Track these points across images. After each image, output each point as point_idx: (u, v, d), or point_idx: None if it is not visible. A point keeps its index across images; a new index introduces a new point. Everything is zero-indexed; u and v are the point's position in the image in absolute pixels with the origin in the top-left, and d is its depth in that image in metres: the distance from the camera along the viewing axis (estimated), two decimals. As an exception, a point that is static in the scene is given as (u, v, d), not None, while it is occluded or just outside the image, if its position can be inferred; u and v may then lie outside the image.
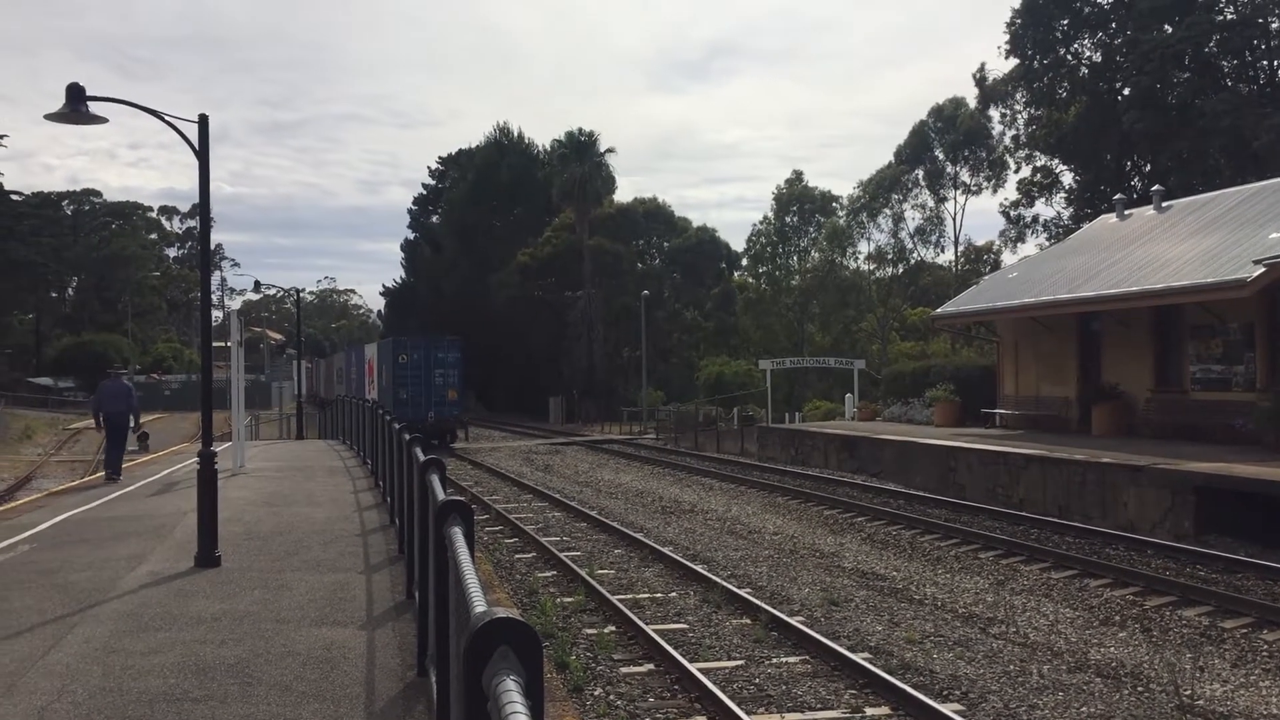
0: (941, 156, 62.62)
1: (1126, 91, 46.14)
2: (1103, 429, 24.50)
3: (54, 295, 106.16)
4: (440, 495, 5.50)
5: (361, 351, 51.72)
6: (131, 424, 19.67)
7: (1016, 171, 57.53)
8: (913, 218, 64.51)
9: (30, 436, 53.09)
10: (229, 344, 24.81)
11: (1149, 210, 29.14)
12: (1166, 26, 44.12)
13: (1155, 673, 9.84)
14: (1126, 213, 30.42)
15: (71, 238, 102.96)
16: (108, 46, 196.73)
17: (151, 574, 10.37)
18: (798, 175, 70.87)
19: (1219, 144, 41.60)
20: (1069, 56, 49.49)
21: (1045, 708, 8.86)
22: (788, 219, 68.99)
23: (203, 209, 11.35)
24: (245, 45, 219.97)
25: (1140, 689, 9.37)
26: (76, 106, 10.59)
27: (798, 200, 68.41)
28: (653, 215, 72.92)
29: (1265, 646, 10.74)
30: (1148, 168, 46.89)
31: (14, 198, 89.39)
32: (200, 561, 10.67)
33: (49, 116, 10.62)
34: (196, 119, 10.89)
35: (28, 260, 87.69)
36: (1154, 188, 32.40)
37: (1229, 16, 43.32)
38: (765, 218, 70.36)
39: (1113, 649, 10.69)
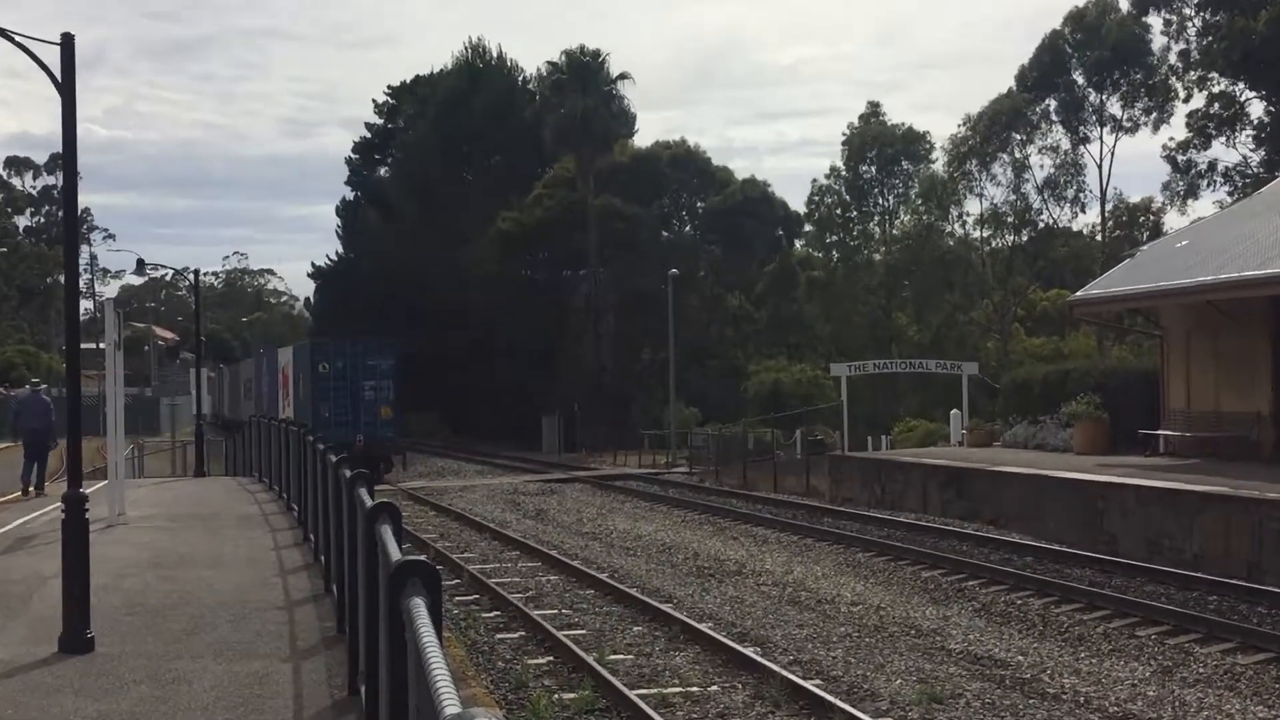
0: (1082, 81, 62.22)
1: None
2: (1308, 457, 24.36)
3: None
4: (395, 554, 5.52)
5: (275, 357, 52.07)
6: (51, 443, 23.75)
7: (1186, 100, 57.29)
8: (1041, 165, 64.04)
9: None
10: (102, 345, 24.92)
11: (1371, 153, 28.97)
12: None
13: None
14: (1339, 157, 30.25)
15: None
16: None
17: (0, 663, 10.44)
18: (874, 109, 70.46)
19: None
20: (1258, -59, 49.27)
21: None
22: (863, 169, 68.50)
23: (67, 160, 11.42)
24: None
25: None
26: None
27: (875, 143, 67.83)
28: (683, 164, 72.75)
29: None
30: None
31: None
32: (66, 645, 10.73)
33: None
34: (59, 39, 10.95)
35: None
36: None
37: None
38: (833, 168, 69.91)
39: (1324, 763, 10.63)
